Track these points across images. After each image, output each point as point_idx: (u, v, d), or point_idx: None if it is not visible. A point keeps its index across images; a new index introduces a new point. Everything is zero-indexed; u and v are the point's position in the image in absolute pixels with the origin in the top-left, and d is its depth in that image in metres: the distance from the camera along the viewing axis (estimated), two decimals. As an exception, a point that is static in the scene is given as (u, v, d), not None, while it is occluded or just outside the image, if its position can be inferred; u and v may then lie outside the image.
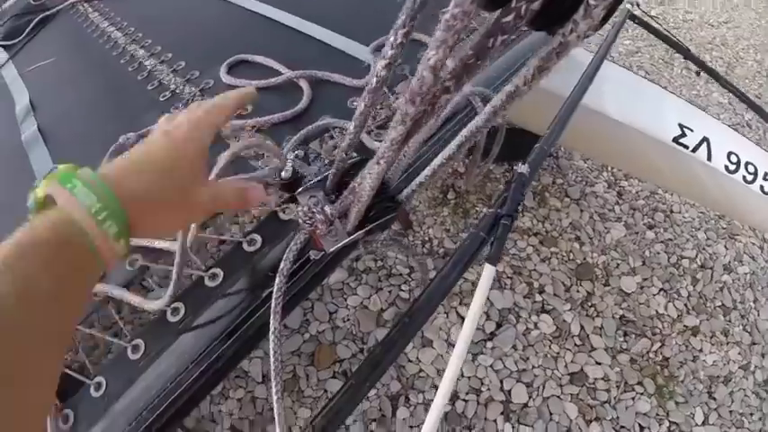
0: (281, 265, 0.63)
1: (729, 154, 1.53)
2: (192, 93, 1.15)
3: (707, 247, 2.29)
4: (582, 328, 1.93)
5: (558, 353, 1.85)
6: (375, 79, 0.44)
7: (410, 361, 1.79)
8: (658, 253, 2.22)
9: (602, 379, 1.81)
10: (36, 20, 1.78)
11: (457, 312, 1.91)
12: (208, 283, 0.72)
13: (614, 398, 1.78)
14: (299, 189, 0.63)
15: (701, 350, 1.94)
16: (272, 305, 0.61)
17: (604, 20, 0.31)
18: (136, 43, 1.42)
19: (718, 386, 1.85)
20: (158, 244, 0.77)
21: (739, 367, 1.91)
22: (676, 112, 1.62)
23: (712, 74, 1.99)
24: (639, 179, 2.49)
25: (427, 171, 0.61)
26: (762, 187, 1.51)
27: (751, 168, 1.52)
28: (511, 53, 1.07)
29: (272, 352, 0.60)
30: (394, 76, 0.60)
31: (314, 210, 0.59)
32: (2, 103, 1.40)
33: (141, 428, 0.61)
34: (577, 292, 2.04)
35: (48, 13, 1.82)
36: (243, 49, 1.22)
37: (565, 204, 2.36)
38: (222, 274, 0.72)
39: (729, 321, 2.04)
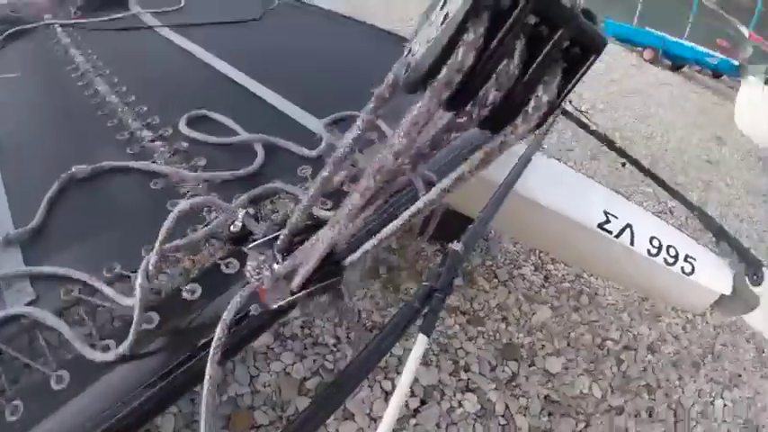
0: (225, 314, 0.65)
1: (651, 238, 1.65)
2: (150, 137, 1.18)
3: (630, 328, 2.44)
4: (507, 407, 1.95)
5: (481, 433, 1.85)
6: (341, 152, 0.50)
7: (329, 435, 1.72)
8: (583, 334, 2.34)
9: (527, 459, 1.81)
10: (9, 32, 1.78)
11: (381, 386, 1.88)
12: (145, 326, 0.71)
13: (540, 479, 1.77)
14: (250, 245, 0.66)
15: (626, 429, 2.00)
16: (211, 353, 0.62)
17: (539, 125, 0.38)
18: (102, 78, 1.46)
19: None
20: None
21: (665, 447, 1.97)
22: (602, 200, 1.74)
23: (636, 164, 2.12)
24: (566, 263, 2.66)
25: (374, 240, 0.66)
26: (683, 268, 1.62)
27: (672, 251, 1.63)
28: (455, 142, 1.19)
29: (204, 400, 0.59)
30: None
31: (262, 266, 0.62)
32: None
33: None
34: (503, 371, 2.07)
35: (23, 27, 1.83)
36: (203, 104, 1.29)
37: (493, 285, 2.46)
38: (158, 319, 0.72)
39: (654, 400, 2.13)
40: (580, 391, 2.08)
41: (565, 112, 1.83)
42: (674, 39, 9.13)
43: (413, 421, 1.80)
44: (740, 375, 2.46)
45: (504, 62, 0.34)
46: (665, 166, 4.08)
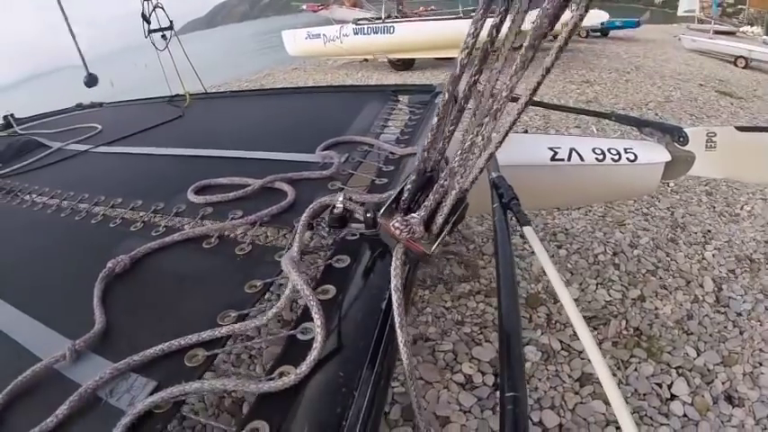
0: (393, 281, 0.62)
1: (594, 149, 1.86)
2: (167, 218, 1.09)
3: (609, 239, 2.66)
4: (560, 342, 1.97)
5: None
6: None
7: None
8: (576, 261, 2.47)
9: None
10: None
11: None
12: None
13: None
14: (381, 209, 0.64)
15: (655, 308, 2.14)
16: (397, 320, 0.58)
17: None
18: (69, 200, 1.31)
19: None
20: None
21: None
22: (543, 142, 1.96)
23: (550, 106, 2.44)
24: (545, 208, 2.82)
25: (476, 170, 0.67)
26: (628, 158, 1.82)
27: (614, 151, 1.84)
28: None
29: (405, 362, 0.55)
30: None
31: (406, 220, 0.61)
32: None
33: None
34: (538, 318, 2.10)
35: None
36: (197, 180, 1.21)
37: (487, 261, 2.52)
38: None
39: (661, 278, 2.33)
40: (604, 300, 2.18)
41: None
42: None
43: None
44: (709, 231, 2.75)
45: None
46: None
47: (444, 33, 7.44)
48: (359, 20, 8.71)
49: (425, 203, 0.63)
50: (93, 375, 0.67)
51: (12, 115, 2.71)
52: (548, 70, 0.50)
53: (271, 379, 0.62)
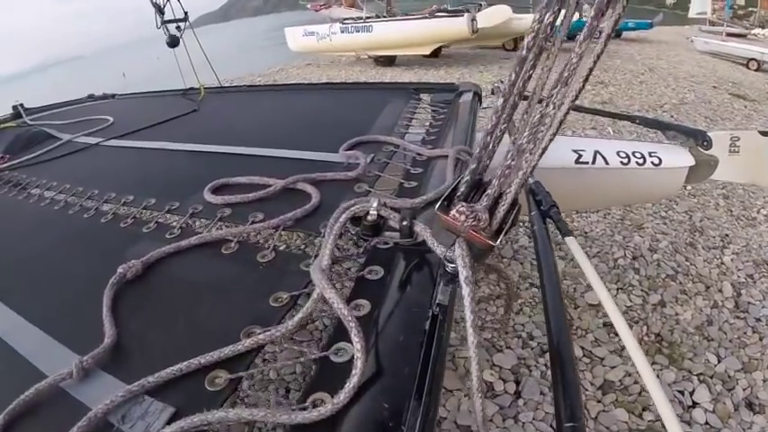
0: (464, 272, 0.57)
1: (618, 152, 1.78)
2: (182, 219, 1.01)
3: (628, 243, 2.56)
4: (582, 348, 1.90)
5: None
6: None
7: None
8: (597, 265, 2.38)
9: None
10: None
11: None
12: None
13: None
14: (439, 201, 0.58)
15: (676, 314, 2.08)
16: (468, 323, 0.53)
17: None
18: (78, 196, 1.24)
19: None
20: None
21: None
22: (565, 144, 1.88)
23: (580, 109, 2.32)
24: (572, 211, 2.73)
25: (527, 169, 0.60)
26: (653, 162, 1.75)
27: (638, 155, 1.77)
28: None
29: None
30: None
31: (471, 206, 0.56)
32: None
33: None
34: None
35: None
36: (213, 179, 1.13)
37: (505, 264, 2.45)
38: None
39: (680, 283, 2.27)
40: (625, 306, 2.10)
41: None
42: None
43: (521, 401, 1.67)
44: (727, 235, 2.66)
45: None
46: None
47: (414, 32, 8.22)
48: (345, 19, 9.27)
49: (487, 192, 0.57)
50: (103, 397, 0.59)
51: (21, 105, 2.63)
52: (591, 71, 0.50)
53: (304, 408, 0.54)
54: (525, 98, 0.59)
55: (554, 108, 0.54)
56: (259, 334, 0.64)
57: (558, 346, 0.64)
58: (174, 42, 2.88)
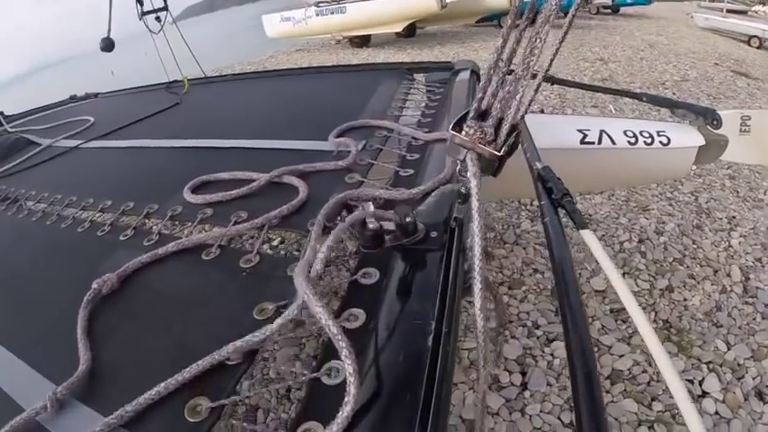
0: (474, 191, 0.59)
1: (625, 131, 1.70)
2: (161, 223, 0.92)
3: (633, 226, 2.49)
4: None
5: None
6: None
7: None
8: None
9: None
10: None
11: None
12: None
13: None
14: (458, 118, 0.61)
15: (684, 299, 2.02)
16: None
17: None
18: (56, 204, 1.16)
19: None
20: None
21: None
22: (571, 123, 1.79)
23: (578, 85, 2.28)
24: (576, 192, 2.66)
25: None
26: (661, 142, 1.67)
27: (646, 134, 1.69)
28: None
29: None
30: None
31: (478, 125, 0.59)
32: None
33: None
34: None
35: None
36: (194, 176, 1.04)
37: (508, 250, 2.38)
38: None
39: (688, 267, 2.21)
40: (632, 291, 2.04)
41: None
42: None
43: (527, 393, 1.62)
44: (734, 217, 2.58)
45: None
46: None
47: (385, 11, 8.51)
48: (320, 2, 9.46)
49: (492, 114, 0.61)
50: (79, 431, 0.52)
51: (1, 113, 2.53)
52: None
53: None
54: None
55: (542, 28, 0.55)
56: (242, 360, 0.57)
57: (578, 355, 0.56)
58: (108, 47, 2.62)
